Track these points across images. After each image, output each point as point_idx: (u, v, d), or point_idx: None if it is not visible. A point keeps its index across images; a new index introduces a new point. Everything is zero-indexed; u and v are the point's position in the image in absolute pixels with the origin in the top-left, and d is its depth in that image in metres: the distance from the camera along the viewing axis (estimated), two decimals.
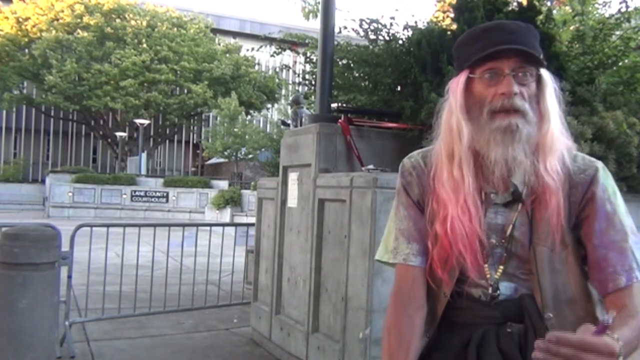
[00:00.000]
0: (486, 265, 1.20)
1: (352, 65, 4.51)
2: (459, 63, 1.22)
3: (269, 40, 5.99)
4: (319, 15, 4.09)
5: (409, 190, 1.30)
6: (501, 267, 1.20)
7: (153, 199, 23.17)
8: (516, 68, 1.14)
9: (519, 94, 1.14)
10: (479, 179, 1.21)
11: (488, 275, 1.20)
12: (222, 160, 30.41)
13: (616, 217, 1.15)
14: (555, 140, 1.16)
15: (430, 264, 1.24)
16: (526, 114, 1.14)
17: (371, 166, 3.24)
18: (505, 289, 1.19)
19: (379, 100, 4.16)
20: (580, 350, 0.87)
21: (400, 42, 4.14)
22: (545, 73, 1.18)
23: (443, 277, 1.22)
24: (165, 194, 23.30)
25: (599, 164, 1.20)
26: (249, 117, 30.37)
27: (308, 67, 5.65)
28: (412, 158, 1.34)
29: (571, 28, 4.29)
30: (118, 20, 28.90)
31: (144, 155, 28.03)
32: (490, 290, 1.20)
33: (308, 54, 5.36)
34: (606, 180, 1.18)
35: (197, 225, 7.39)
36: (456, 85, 1.19)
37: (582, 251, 1.19)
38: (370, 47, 4.30)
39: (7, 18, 28.07)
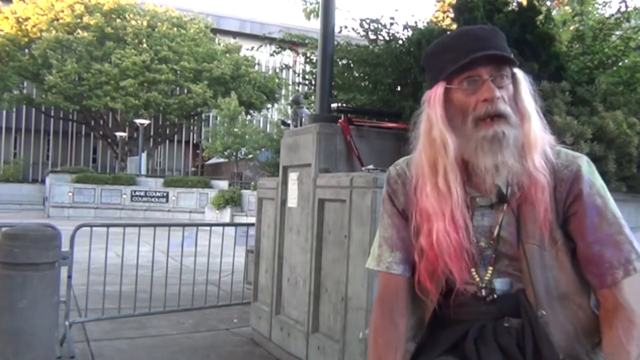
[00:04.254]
0: (473, 270, 1.20)
1: (352, 65, 4.51)
2: (433, 75, 1.21)
3: (269, 40, 5.99)
4: (319, 15, 4.09)
5: (394, 199, 1.30)
6: (490, 268, 1.20)
7: (153, 199, 23.15)
8: (494, 73, 1.14)
9: (500, 98, 1.13)
10: (464, 187, 1.20)
11: (477, 279, 1.21)
12: (222, 160, 30.41)
13: (608, 211, 1.14)
14: (538, 137, 1.16)
15: (419, 277, 1.24)
16: (509, 117, 1.14)
17: (371, 166, 3.23)
18: (501, 284, 1.20)
19: (379, 100, 4.16)
20: None
21: (400, 42, 4.14)
22: (519, 72, 1.18)
23: (431, 288, 1.23)
24: (165, 194, 23.28)
25: (583, 159, 1.19)
26: (249, 117, 30.38)
27: (308, 67, 5.65)
28: (397, 166, 1.33)
29: (571, 28, 4.29)
30: (118, 20, 28.87)
31: (144, 155, 28.01)
32: (483, 293, 1.20)
33: (308, 54, 5.37)
34: (592, 175, 1.17)
35: (197, 225, 7.38)
36: (434, 98, 1.18)
37: (572, 245, 1.18)
38: (370, 47, 4.30)
39: (7, 18, 28.05)
